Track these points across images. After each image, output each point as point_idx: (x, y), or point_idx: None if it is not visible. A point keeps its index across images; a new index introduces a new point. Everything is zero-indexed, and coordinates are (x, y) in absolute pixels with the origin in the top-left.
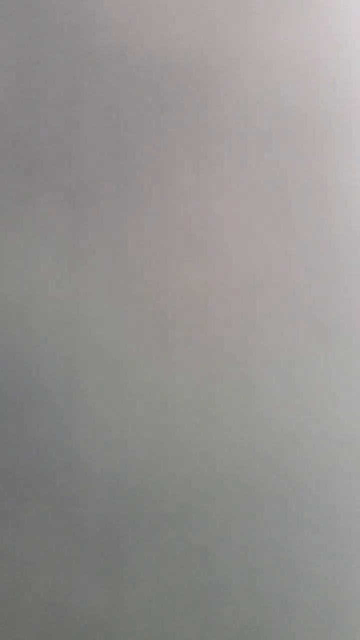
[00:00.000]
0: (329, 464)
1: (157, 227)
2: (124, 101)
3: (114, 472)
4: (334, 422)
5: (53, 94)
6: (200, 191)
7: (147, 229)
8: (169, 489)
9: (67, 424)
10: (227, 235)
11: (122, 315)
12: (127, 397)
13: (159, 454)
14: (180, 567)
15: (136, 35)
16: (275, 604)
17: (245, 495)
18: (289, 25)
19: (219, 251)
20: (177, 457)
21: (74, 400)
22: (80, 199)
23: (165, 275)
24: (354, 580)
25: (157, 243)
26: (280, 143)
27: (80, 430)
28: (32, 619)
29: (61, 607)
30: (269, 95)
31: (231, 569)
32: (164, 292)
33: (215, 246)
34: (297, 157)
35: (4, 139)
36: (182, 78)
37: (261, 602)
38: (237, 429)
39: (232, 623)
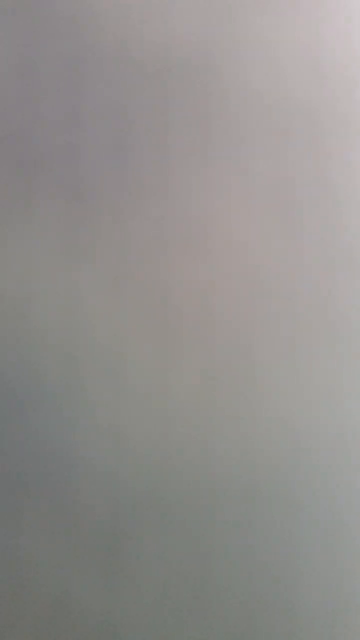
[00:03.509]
0: (331, 464)
1: (158, 225)
2: (126, 97)
3: (115, 472)
4: (338, 420)
5: (53, 90)
6: (203, 188)
7: (149, 226)
8: (169, 489)
9: (68, 423)
10: (230, 233)
11: (123, 313)
12: (127, 395)
13: (160, 453)
14: (180, 568)
15: (138, 29)
16: (276, 606)
17: (246, 496)
18: (295, 18)
19: (222, 249)
20: (178, 457)
21: (74, 399)
22: (81, 197)
23: (167, 273)
24: (356, 581)
25: (158, 241)
26: (286, 139)
27: (81, 429)
28: (32, 619)
29: (61, 607)
30: (274, 90)
31: (232, 570)
32: (166, 290)
33: (218, 244)
34: (303, 153)
35: (4, 136)
36: (185, 73)
37: (262, 604)
38: (239, 428)
39: (233, 624)
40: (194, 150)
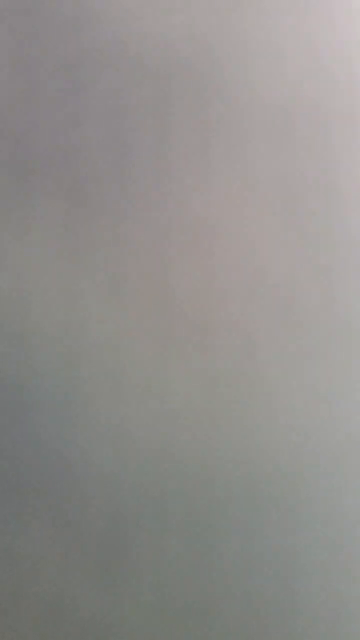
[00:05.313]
0: (333, 465)
1: (158, 226)
2: (126, 96)
3: (115, 472)
4: (339, 421)
5: (52, 89)
6: (204, 189)
7: (149, 227)
8: (170, 490)
9: (67, 424)
10: (230, 234)
11: (123, 315)
12: (127, 395)
13: (161, 454)
14: (181, 569)
15: (138, 27)
16: (276, 608)
17: (248, 498)
18: (299, 15)
19: (223, 250)
20: (179, 458)
21: (73, 400)
22: (81, 198)
23: (167, 274)
24: (357, 584)
25: (158, 242)
26: (289, 139)
27: (81, 431)
28: (33, 621)
29: (61, 609)
30: (277, 90)
31: (232, 572)
32: (166, 291)
33: (219, 245)
34: (306, 153)
35: (3, 136)
36: (186, 72)
37: (262, 607)
38: (240, 429)
39: (233, 627)
40: (195, 151)
